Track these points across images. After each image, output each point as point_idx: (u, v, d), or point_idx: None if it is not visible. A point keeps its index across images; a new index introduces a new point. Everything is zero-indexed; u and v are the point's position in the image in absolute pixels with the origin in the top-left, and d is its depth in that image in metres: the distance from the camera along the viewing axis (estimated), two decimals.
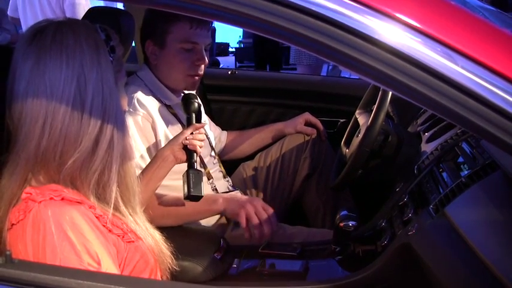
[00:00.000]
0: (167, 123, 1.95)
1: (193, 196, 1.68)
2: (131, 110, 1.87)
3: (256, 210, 1.73)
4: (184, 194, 1.70)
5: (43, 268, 0.89)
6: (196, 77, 1.98)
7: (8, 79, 1.10)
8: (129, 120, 1.84)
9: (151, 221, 1.65)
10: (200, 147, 1.74)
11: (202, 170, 2.00)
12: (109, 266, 1.04)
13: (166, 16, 1.90)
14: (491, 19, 1.12)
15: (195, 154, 1.73)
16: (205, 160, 2.08)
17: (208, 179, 2.04)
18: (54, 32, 1.08)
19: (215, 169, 2.15)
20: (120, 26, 1.91)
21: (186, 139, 1.71)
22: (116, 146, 1.11)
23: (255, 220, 1.72)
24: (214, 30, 9.51)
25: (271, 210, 1.76)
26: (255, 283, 1.62)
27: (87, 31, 1.11)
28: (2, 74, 1.12)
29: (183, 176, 1.71)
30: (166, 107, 1.98)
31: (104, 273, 1.01)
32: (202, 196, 1.69)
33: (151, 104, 1.92)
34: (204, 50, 1.95)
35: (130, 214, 1.18)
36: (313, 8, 0.85)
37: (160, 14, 1.92)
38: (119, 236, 1.12)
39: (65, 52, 1.06)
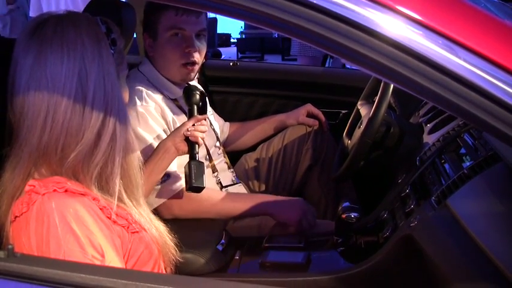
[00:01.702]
0: (174, 116, 1.95)
1: (195, 187, 1.69)
2: (143, 103, 1.88)
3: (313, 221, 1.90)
4: (186, 186, 1.70)
5: (46, 262, 0.89)
6: (190, 67, 1.97)
7: (9, 72, 1.10)
8: (142, 111, 1.86)
9: (195, 213, 1.80)
10: (202, 138, 1.74)
11: (207, 162, 2.01)
12: (113, 259, 1.05)
13: (155, 7, 1.93)
14: (493, 11, 1.12)
15: (197, 146, 1.73)
16: (211, 151, 2.09)
17: (213, 172, 2.05)
18: (55, 25, 1.08)
19: (220, 160, 2.15)
20: (121, 18, 1.91)
21: (188, 130, 1.71)
22: (119, 139, 1.11)
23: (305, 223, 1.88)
24: (215, 21, 9.49)
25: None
26: (258, 275, 1.63)
27: (88, 24, 1.11)
28: (4, 67, 1.11)
29: (184, 167, 1.72)
30: (172, 101, 1.98)
31: (107, 266, 1.02)
32: (204, 187, 1.70)
33: (157, 98, 1.93)
34: (195, 37, 1.95)
35: (134, 206, 1.18)
36: (314, 1, 0.84)
37: (151, 6, 1.95)
38: (123, 226, 1.12)
39: (65, 45, 1.06)
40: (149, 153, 1.76)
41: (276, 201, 1.91)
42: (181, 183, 1.82)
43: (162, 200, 1.82)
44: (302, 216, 1.86)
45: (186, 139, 1.73)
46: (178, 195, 1.83)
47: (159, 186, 1.82)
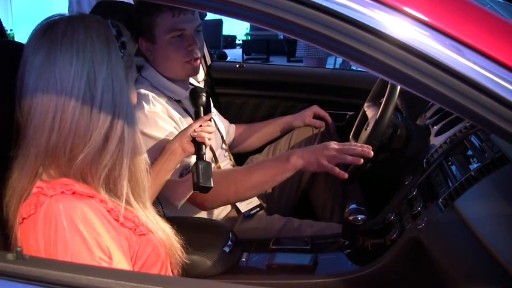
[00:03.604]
0: (180, 116, 1.96)
1: (203, 187, 1.68)
2: (151, 106, 1.89)
3: (336, 149, 1.75)
4: (193, 186, 1.70)
5: (54, 264, 0.89)
6: (194, 62, 1.98)
7: (18, 73, 1.10)
8: (151, 115, 1.86)
9: (228, 200, 1.84)
10: (209, 139, 1.74)
11: (213, 164, 2.01)
12: (120, 261, 1.05)
13: (148, 10, 1.92)
14: (499, 12, 1.12)
15: (203, 146, 1.73)
16: (217, 153, 2.09)
17: None
18: (66, 26, 1.08)
19: (226, 162, 2.15)
20: (129, 20, 1.92)
21: (195, 131, 1.72)
22: (127, 141, 1.11)
23: (344, 158, 1.75)
24: (221, 22, 9.51)
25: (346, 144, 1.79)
26: (264, 277, 1.63)
27: (98, 26, 1.11)
28: (12, 69, 1.12)
29: (192, 167, 1.71)
30: (177, 102, 1.99)
31: (115, 269, 1.02)
32: (211, 187, 1.69)
33: (163, 100, 1.94)
34: (195, 33, 1.95)
35: (141, 209, 1.18)
36: (321, 2, 0.84)
37: (143, 10, 1.93)
38: (130, 229, 1.12)
39: (75, 46, 1.06)
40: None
41: (300, 154, 1.80)
42: None
43: (187, 196, 1.84)
44: (331, 156, 1.76)
45: (193, 140, 1.73)
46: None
47: (180, 182, 1.83)
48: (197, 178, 1.67)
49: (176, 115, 1.93)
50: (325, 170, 1.79)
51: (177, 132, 1.86)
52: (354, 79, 2.76)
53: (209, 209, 1.94)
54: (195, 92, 1.86)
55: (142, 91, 1.90)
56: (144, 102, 1.87)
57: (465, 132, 1.63)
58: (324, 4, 0.84)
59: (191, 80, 2.15)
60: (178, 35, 1.93)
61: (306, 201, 2.34)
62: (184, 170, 1.84)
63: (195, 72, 2.04)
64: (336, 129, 2.40)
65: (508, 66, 0.83)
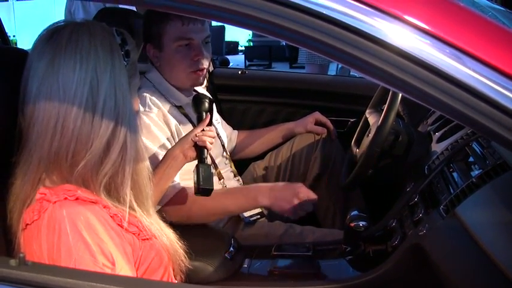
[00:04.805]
0: (179, 123, 1.96)
1: (203, 189, 1.69)
2: (147, 109, 1.89)
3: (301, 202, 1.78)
4: (194, 188, 1.70)
5: (56, 270, 0.89)
6: (200, 72, 1.98)
7: (21, 79, 1.11)
8: (145, 119, 1.86)
9: (189, 219, 1.77)
10: (210, 143, 1.74)
11: (213, 170, 2.01)
12: (123, 267, 1.05)
13: (158, 18, 1.92)
14: (500, 19, 1.12)
15: (205, 150, 1.73)
16: (217, 160, 2.09)
17: (219, 179, 2.05)
18: (71, 32, 1.08)
19: (226, 169, 2.15)
20: (131, 27, 1.93)
21: (196, 136, 1.72)
22: (129, 150, 1.12)
23: (302, 213, 1.79)
24: (223, 29, 9.53)
25: (313, 196, 1.80)
26: (266, 283, 1.63)
27: (103, 34, 1.11)
28: (15, 77, 1.13)
29: (193, 171, 1.72)
30: (177, 108, 1.99)
31: (117, 275, 1.02)
32: (212, 189, 1.70)
33: (162, 104, 1.94)
34: (203, 44, 1.96)
35: (145, 215, 1.19)
36: (322, 11, 0.85)
37: (153, 17, 1.94)
38: (134, 234, 1.13)
39: (79, 53, 1.07)
40: (153, 160, 1.77)
41: (271, 196, 1.81)
42: (170, 192, 1.81)
43: (156, 208, 1.82)
44: (295, 203, 1.78)
45: (195, 145, 1.73)
46: (170, 202, 1.81)
47: None
48: (198, 181, 1.68)
49: (173, 121, 1.93)
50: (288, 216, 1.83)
51: (167, 141, 1.86)
52: (355, 86, 2.76)
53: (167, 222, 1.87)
54: (197, 98, 1.86)
55: (142, 93, 1.91)
56: (140, 105, 1.87)
57: (466, 138, 1.63)
58: (325, 13, 0.85)
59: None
60: (186, 44, 1.93)
61: None
62: None
63: (199, 83, 2.04)
64: (338, 136, 2.40)
65: (508, 74, 0.83)
